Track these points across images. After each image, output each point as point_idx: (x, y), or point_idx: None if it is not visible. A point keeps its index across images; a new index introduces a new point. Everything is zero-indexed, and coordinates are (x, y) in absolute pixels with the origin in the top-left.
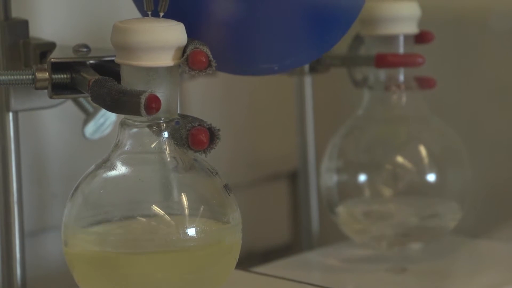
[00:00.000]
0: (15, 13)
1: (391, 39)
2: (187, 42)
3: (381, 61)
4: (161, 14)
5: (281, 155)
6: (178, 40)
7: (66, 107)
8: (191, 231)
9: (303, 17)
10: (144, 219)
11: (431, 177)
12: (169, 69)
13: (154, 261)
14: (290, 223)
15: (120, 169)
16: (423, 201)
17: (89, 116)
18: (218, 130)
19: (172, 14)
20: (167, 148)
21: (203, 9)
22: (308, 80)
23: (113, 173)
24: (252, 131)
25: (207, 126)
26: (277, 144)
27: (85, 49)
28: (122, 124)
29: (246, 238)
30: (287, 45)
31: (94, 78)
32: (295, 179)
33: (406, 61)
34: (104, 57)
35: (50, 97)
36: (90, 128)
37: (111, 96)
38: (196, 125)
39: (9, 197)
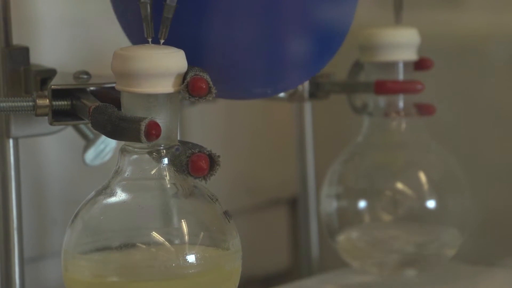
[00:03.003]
0: (16, 40)
1: (391, 65)
2: (187, 69)
3: (381, 87)
4: (162, 41)
5: (281, 181)
6: (178, 67)
7: (66, 133)
8: (191, 258)
9: (294, 42)
10: (144, 246)
11: (431, 204)
12: (169, 95)
13: None
14: (290, 249)
15: (120, 196)
16: (423, 228)
17: (89, 142)
18: (218, 156)
19: (173, 41)
20: (167, 174)
21: (204, 36)
22: (308, 106)
23: (113, 199)
24: (252, 157)
25: (207, 153)
26: (277, 170)
27: (85, 76)
28: (122, 151)
29: (245, 264)
30: (280, 70)
31: (95, 105)
32: (295, 205)
33: (405, 87)
34: (104, 83)
35: (51, 124)
36: (90, 155)
37: (111, 122)
38: (196, 151)
39: (9, 223)
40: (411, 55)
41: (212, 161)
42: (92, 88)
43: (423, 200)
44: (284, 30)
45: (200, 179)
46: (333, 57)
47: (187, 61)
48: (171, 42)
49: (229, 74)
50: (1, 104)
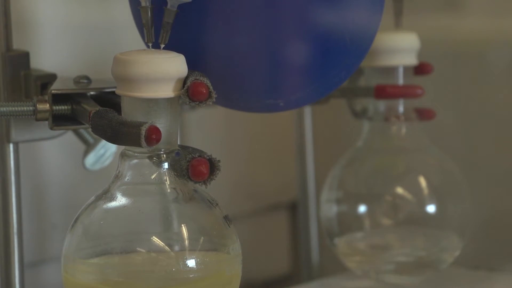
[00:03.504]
0: (16, 45)
1: (391, 70)
2: (188, 74)
3: (381, 92)
4: (162, 45)
5: (281, 186)
6: (179, 72)
7: (67, 138)
8: (191, 263)
9: (297, 50)
10: (144, 251)
11: (431, 208)
12: (169, 100)
13: None
14: (290, 254)
15: (120, 200)
16: (423, 232)
17: (89, 147)
18: (218, 161)
19: (173, 46)
20: (167, 179)
21: (204, 41)
22: (308, 111)
23: (113, 204)
24: (252, 162)
25: (207, 157)
26: (277, 175)
27: (85, 81)
28: (123, 155)
29: (246, 268)
30: (284, 79)
31: (95, 110)
32: (295, 210)
33: (405, 92)
34: (104, 88)
35: (51, 128)
36: (90, 159)
37: (112, 127)
38: (196, 156)
39: (9, 228)
40: (411, 60)
41: (212, 166)
42: (92, 93)
43: (423, 205)
44: (285, 37)
45: (200, 183)
46: (349, 76)
47: (188, 66)
48: (171, 47)
49: (230, 80)
50: (2, 109)
